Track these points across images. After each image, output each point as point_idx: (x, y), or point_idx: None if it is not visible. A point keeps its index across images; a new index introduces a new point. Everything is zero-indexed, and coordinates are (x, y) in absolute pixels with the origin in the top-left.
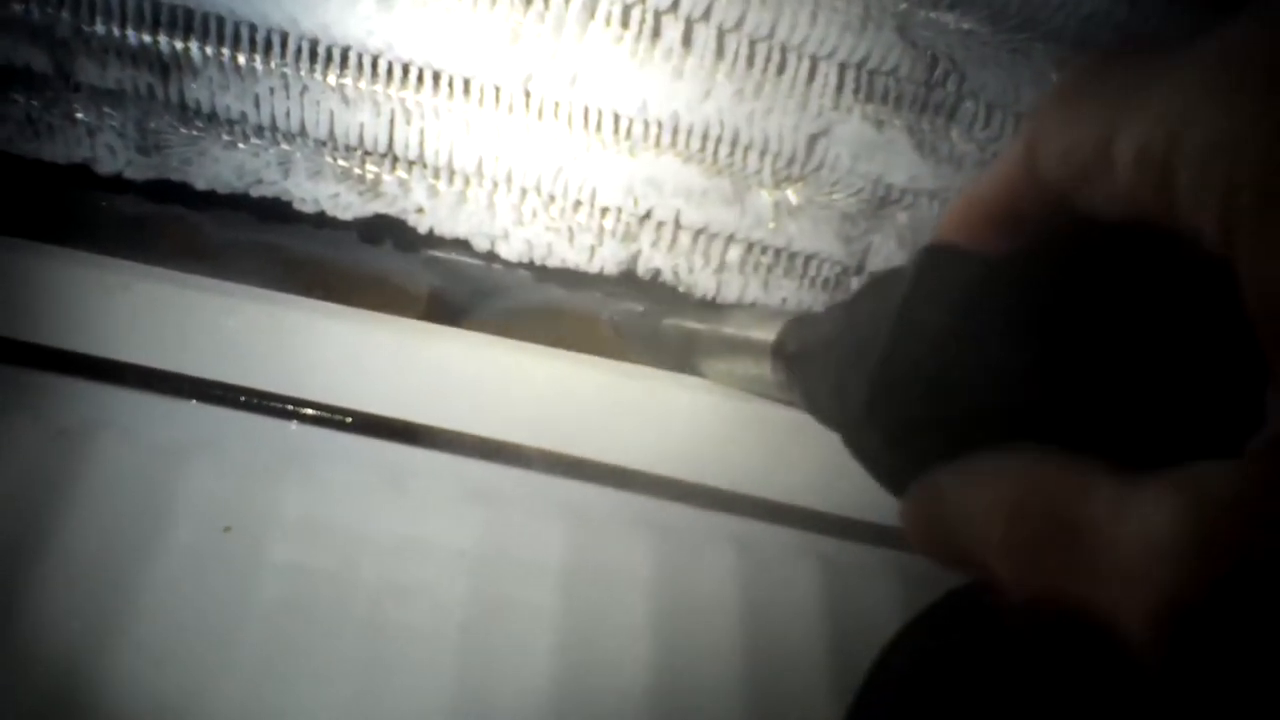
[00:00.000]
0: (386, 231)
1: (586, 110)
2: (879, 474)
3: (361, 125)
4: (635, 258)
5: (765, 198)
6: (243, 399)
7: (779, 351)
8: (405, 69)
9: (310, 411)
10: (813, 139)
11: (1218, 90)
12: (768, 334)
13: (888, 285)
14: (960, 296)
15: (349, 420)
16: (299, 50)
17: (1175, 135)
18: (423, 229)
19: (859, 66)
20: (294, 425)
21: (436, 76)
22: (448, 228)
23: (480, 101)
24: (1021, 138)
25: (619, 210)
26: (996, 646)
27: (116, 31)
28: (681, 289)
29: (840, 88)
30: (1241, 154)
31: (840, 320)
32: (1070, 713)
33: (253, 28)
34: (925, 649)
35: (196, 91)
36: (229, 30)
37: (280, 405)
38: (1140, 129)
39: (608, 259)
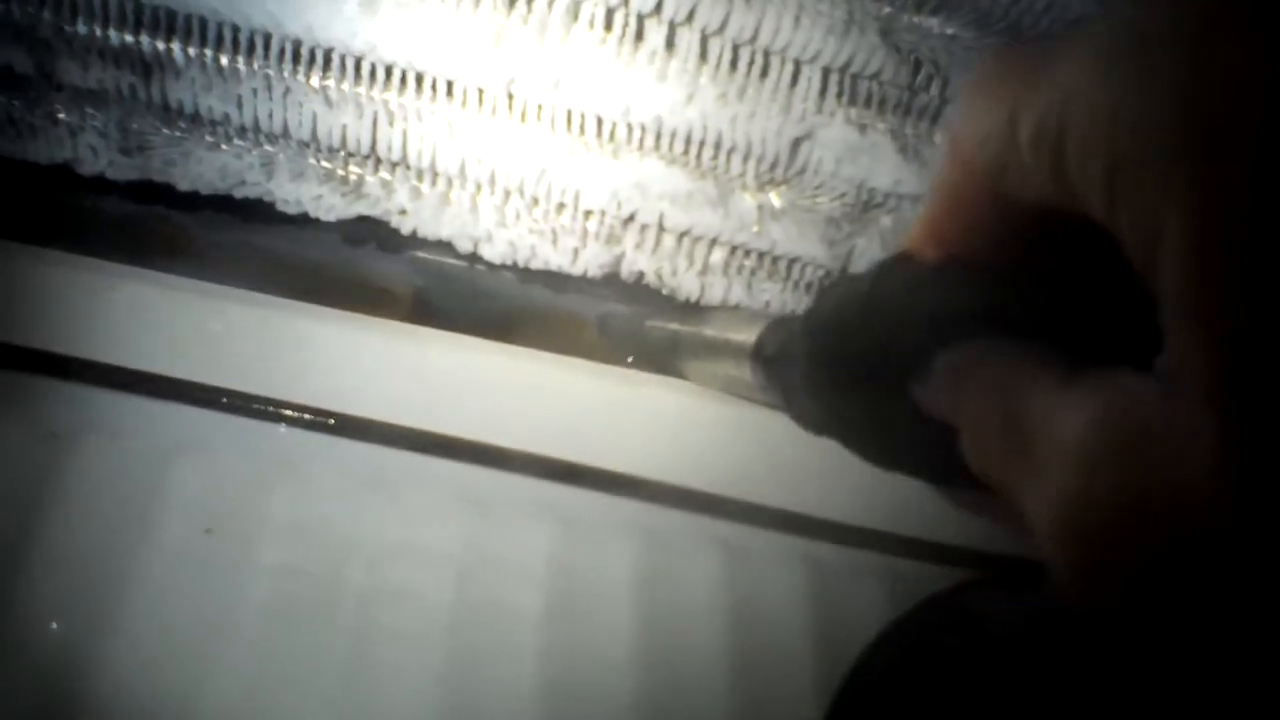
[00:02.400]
0: (370, 233)
1: (570, 113)
2: (865, 456)
3: (345, 127)
4: (619, 260)
5: (749, 201)
6: (228, 401)
7: (757, 354)
8: (389, 71)
9: (295, 414)
10: (796, 143)
11: (1098, 66)
12: (751, 336)
13: (844, 289)
14: (915, 290)
15: (334, 423)
16: (282, 51)
17: (1063, 113)
18: (406, 230)
19: (842, 70)
20: (280, 428)
21: (420, 78)
22: (431, 229)
23: (463, 104)
24: (949, 140)
25: (602, 213)
26: (974, 650)
27: (99, 32)
28: (665, 291)
29: (824, 91)
30: (1119, 127)
31: (807, 320)
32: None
33: (236, 29)
34: (903, 653)
35: (179, 92)
36: (212, 31)
37: (265, 408)
38: (1034, 110)
39: (591, 261)
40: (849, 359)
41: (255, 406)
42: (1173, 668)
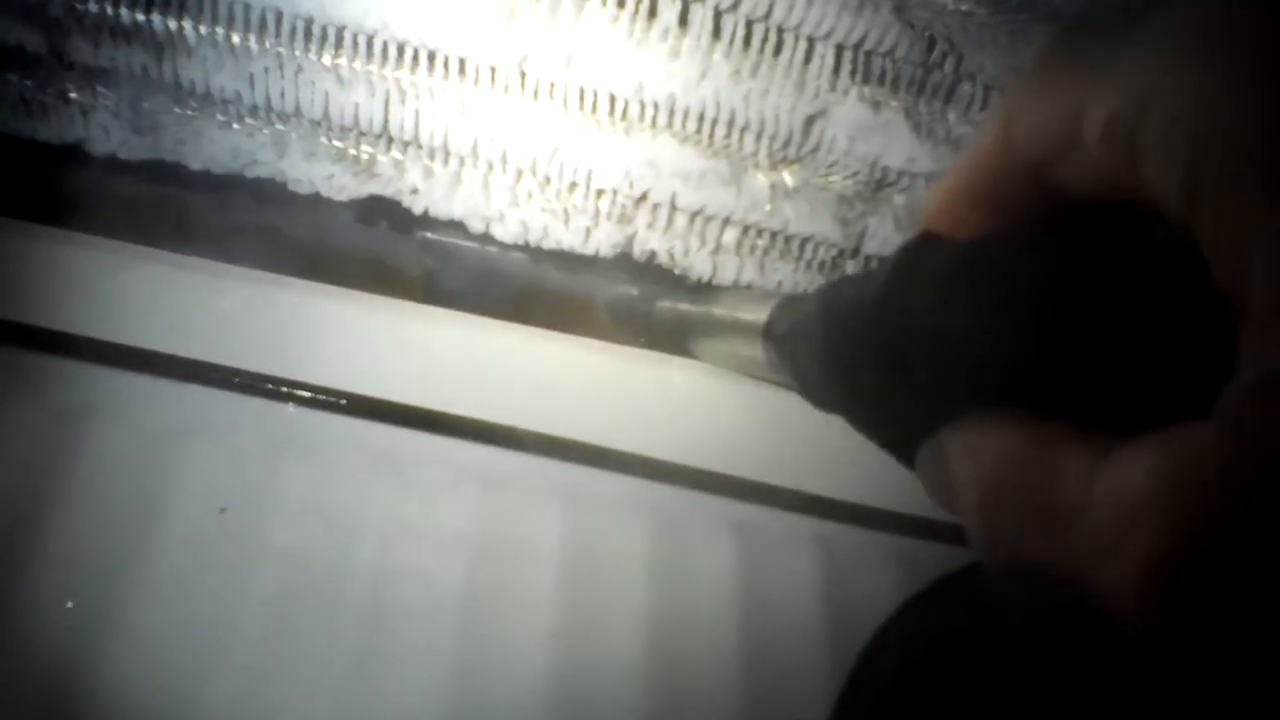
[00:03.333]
0: (382, 213)
1: (582, 91)
2: (878, 443)
3: (356, 106)
4: (631, 240)
5: (761, 180)
6: (239, 381)
7: (769, 333)
8: (400, 49)
9: (306, 394)
10: (809, 120)
11: (1180, 60)
12: (762, 316)
13: (870, 273)
14: (939, 277)
15: (345, 402)
16: (294, 30)
17: (1140, 106)
18: (418, 210)
19: (856, 48)
20: (290, 407)
21: (432, 56)
22: (443, 209)
23: (475, 82)
24: (995, 116)
25: (615, 192)
26: (987, 632)
27: (110, 10)
28: (677, 271)
29: (837, 69)
30: (1203, 124)
31: (826, 299)
32: (1062, 698)
33: (247, 7)
34: (914, 634)
35: (191, 71)
36: (223, 9)
37: (277, 388)
38: (1107, 101)
39: (603, 241)
40: (863, 350)
41: (267, 386)
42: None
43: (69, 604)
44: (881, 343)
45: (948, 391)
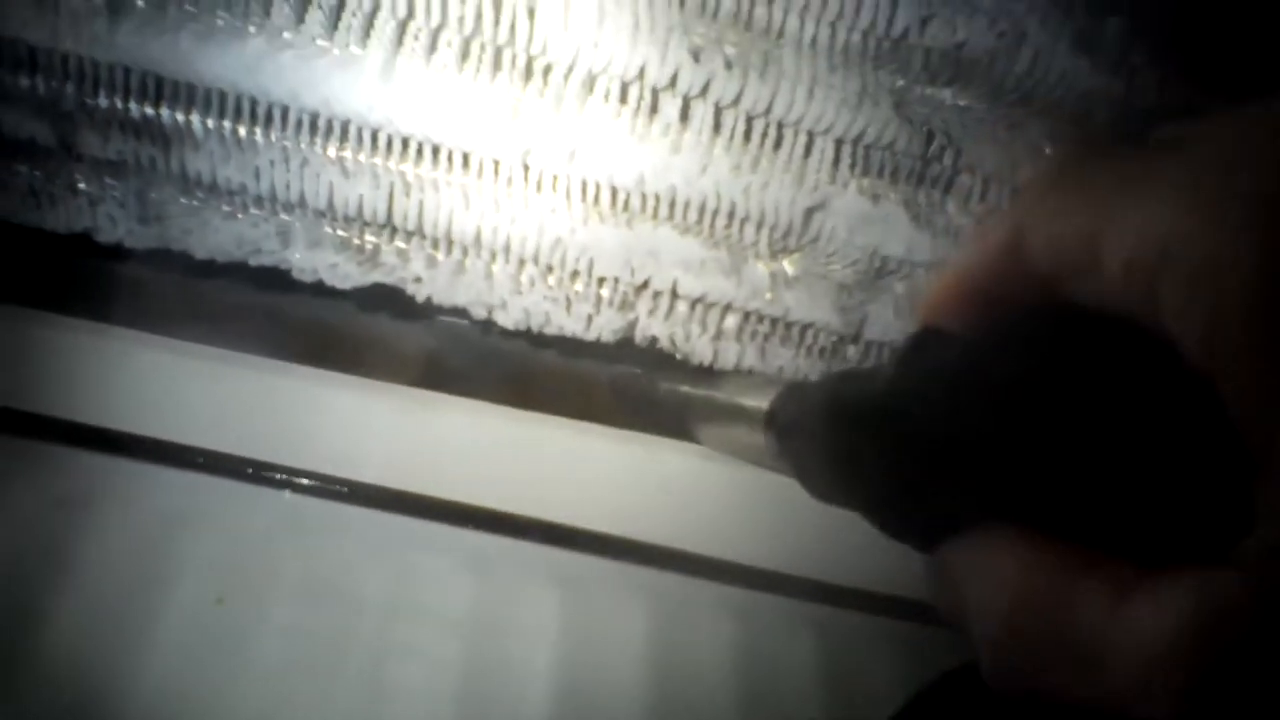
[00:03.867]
0: (384, 300)
1: (585, 183)
2: (886, 532)
3: (361, 197)
4: (632, 325)
5: (762, 269)
6: (239, 468)
7: (771, 422)
8: (405, 142)
9: (307, 481)
10: (809, 212)
11: (1204, 203)
12: (764, 402)
13: (875, 370)
14: (945, 379)
15: (346, 490)
16: (300, 123)
17: (1161, 256)
18: (421, 298)
19: (855, 141)
20: (291, 495)
21: (436, 150)
22: (446, 297)
23: (479, 174)
24: (1007, 222)
25: (616, 280)
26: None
27: (119, 104)
28: (679, 356)
29: (837, 162)
30: (1228, 276)
31: (831, 394)
32: None
33: (254, 101)
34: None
35: (198, 163)
36: (231, 103)
37: (277, 475)
38: (1128, 235)
39: (604, 327)
40: (868, 450)
41: (266, 474)
42: None
43: (68, 694)
44: (886, 444)
45: (955, 499)
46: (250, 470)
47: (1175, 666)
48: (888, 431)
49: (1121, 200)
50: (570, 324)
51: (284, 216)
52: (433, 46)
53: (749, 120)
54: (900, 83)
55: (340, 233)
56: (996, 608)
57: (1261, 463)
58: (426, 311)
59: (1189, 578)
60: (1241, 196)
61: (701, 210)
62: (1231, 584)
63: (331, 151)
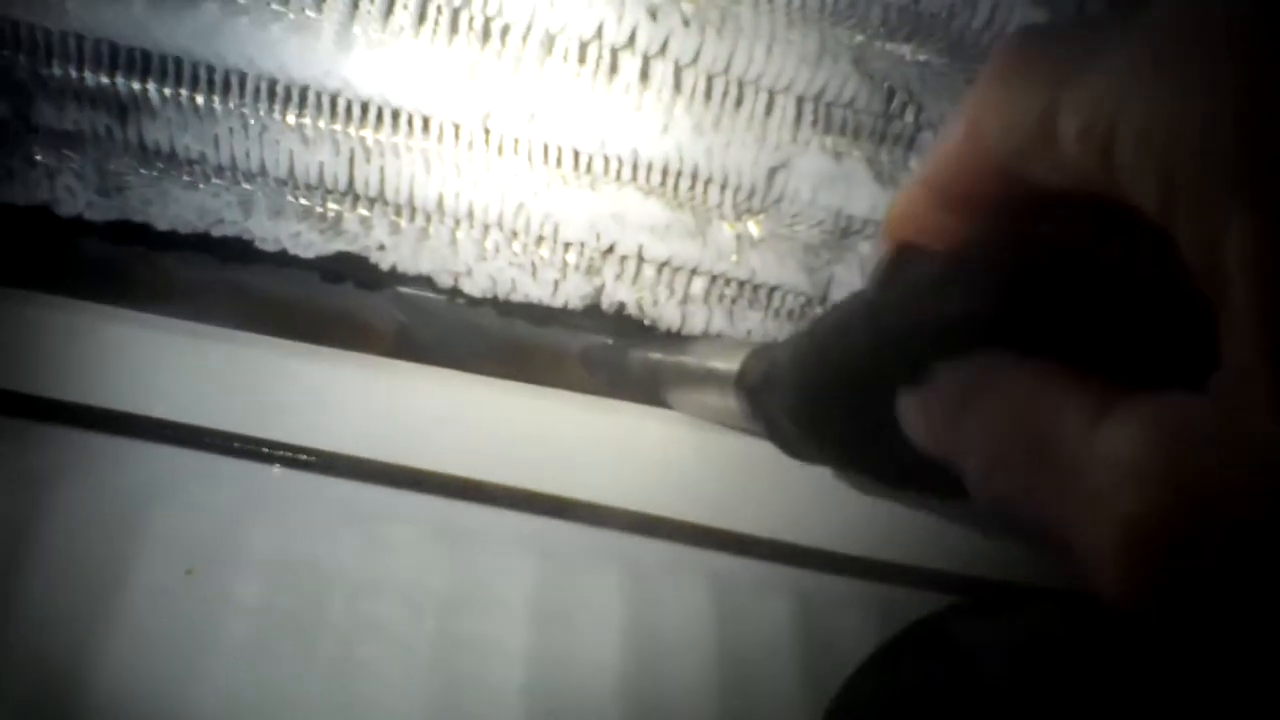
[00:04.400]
0: (348, 270)
1: (546, 146)
2: (854, 473)
3: (321, 164)
4: (599, 291)
5: (727, 231)
6: (208, 440)
7: (741, 383)
8: (364, 107)
9: (276, 452)
10: (772, 172)
11: (1153, 66)
12: (734, 364)
13: (846, 304)
14: (931, 286)
15: (315, 459)
16: (257, 90)
17: (1114, 112)
18: (385, 266)
19: (816, 99)
20: (261, 466)
21: (395, 114)
22: (410, 264)
23: (440, 138)
24: (961, 116)
25: (582, 245)
26: (957, 676)
27: (74, 74)
28: (646, 322)
29: (798, 120)
30: (1177, 130)
31: (800, 344)
32: None
33: (210, 68)
34: (887, 679)
35: (155, 132)
36: (186, 71)
37: (246, 446)
38: (1080, 105)
39: (571, 293)
40: (844, 385)
41: (236, 445)
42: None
43: (37, 667)
44: (879, 348)
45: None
46: (219, 442)
47: (1132, 485)
48: (878, 337)
49: (1073, 72)
50: (537, 290)
51: (245, 185)
52: (389, 9)
53: (709, 79)
54: (859, 38)
55: (302, 201)
56: (987, 414)
57: (1221, 307)
58: (392, 281)
59: (1166, 399)
60: (1192, 59)
61: (665, 172)
62: (1200, 407)
63: (290, 118)
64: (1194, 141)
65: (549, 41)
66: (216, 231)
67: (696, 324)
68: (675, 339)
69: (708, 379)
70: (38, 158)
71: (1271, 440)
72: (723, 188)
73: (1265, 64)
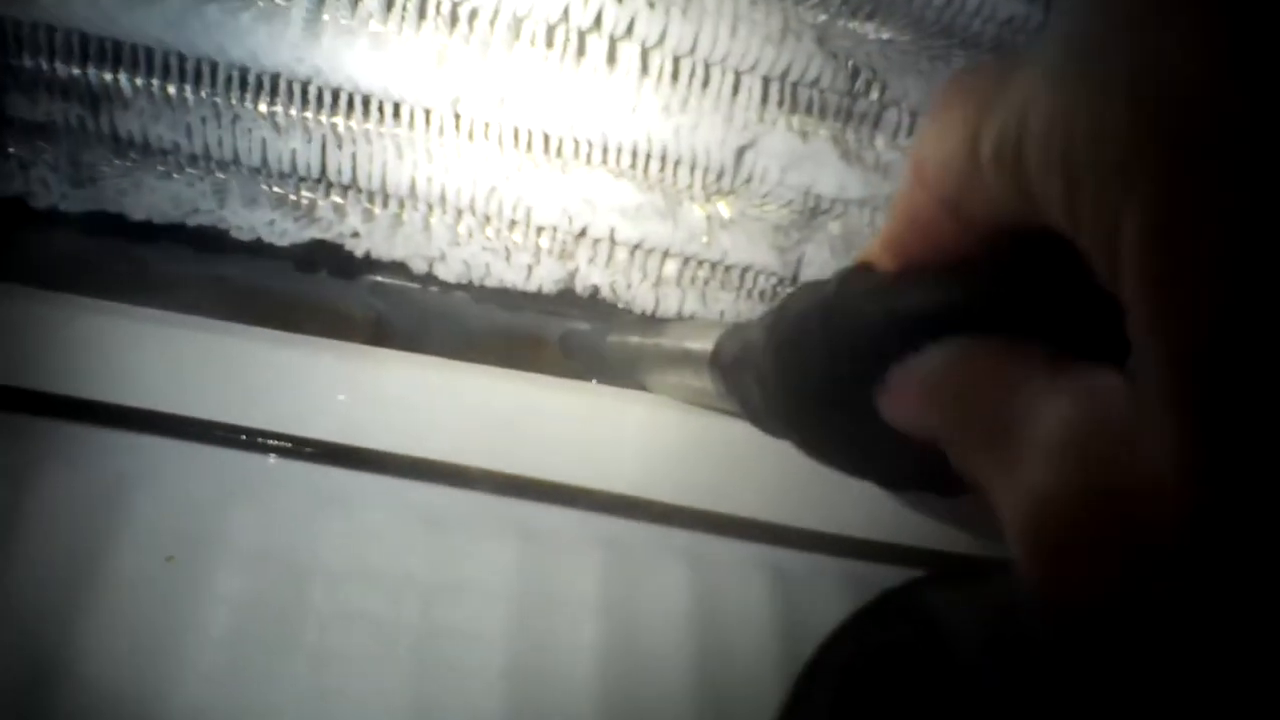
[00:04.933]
0: (323, 258)
1: (516, 130)
2: (825, 459)
3: (294, 152)
4: (573, 275)
5: (698, 211)
6: (186, 429)
7: (715, 362)
8: (335, 94)
9: (254, 439)
10: (740, 151)
11: (1052, 73)
12: (708, 345)
13: (806, 293)
14: (878, 293)
15: (292, 446)
16: (229, 79)
17: (1019, 125)
18: (360, 253)
19: (782, 79)
20: (238, 453)
21: (366, 101)
22: (384, 251)
23: (410, 124)
24: (910, 156)
25: (554, 228)
26: (926, 645)
27: (45, 65)
28: (620, 305)
29: (765, 100)
30: (1072, 130)
31: (770, 324)
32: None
33: (181, 58)
34: (857, 649)
35: (128, 123)
36: (158, 61)
37: (224, 434)
38: (993, 123)
39: (545, 277)
40: (811, 369)
41: (215, 433)
42: (1129, 666)
43: (14, 655)
44: (833, 346)
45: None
46: (197, 430)
47: (1054, 458)
48: (825, 340)
49: (987, 100)
50: (511, 275)
51: (219, 175)
52: None
53: (675, 60)
54: (822, 17)
55: (276, 189)
56: (945, 401)
57: (1129, 309)
58: (367, 267)
59: (1100, 378)
60: (1079, 51)
61: (634, 154)
62: (1124, 392)
63: (262, 107)
64: (1088, 138)
65: (516, 25)
66: (191, 221)
67: (670, 306)
68: (650, 321)
69: (684, 359)
70: (10, 150)
71: (1163, 433)
72: (692, 169)
73: (1146, 47)
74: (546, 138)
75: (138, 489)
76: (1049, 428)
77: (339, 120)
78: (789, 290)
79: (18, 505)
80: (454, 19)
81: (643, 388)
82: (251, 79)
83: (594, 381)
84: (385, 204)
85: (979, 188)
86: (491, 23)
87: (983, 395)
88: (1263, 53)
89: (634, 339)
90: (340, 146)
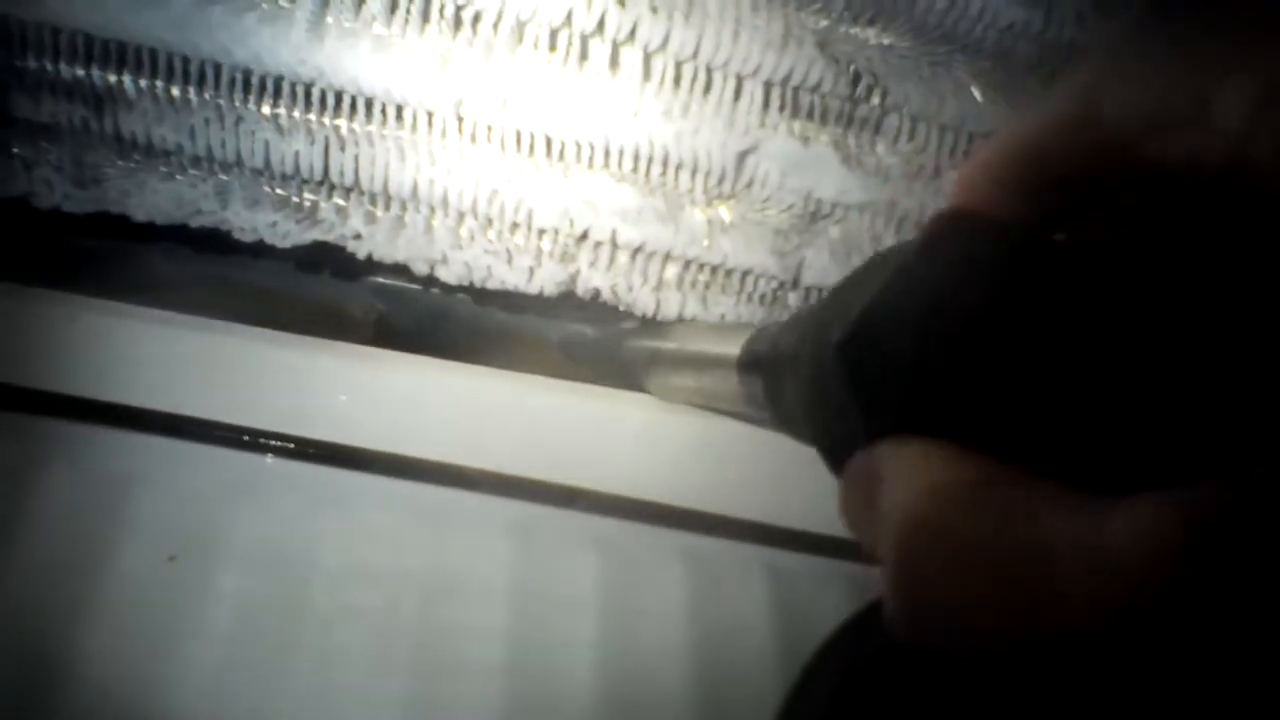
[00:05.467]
0: (325, 259)
1: (519, 133)
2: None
3: (297, 154)
4: (574, 278)
5: (698, 215)
6: (188, 428)
7: (748, 364)
8: (338, 97)
9: (257, 439)
10: (742, 156)
11: None
12: (710, 346)
13: (874, 267)
14: (973, 268)
15: (295, 447)
16: (232, 81)
17: None
18: (361, 255)
19: (783, 84)
20: (241, 453)
21: (369, 103)
22: (386, 253)
23: (413, 127)
24: (1075, 90)
25: (556, 231)
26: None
27: (50, 66)
28: (621, 308)
29: (766, 105)
30: None
31: (818, 313)
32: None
33: (185, 59)
34: (854, 653)
35: (132, 124)
36: (162, 62)
37: (226, 434)
38: (1251, 84)
39: (547, 280)
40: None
41: (216, 433)
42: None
43: (17, 655)
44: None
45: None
46: (198, 430)
47: (1168, 575)
48: (910, 318)
49: (1237, 50)
50: (512, 277)
51: (222, 176)
52: None
53: (678, 65)
54: (823, 23)
55: (279, 191)
56: (919, 509)
57: None
58: (369, 269)
59: (1171, 493)
60: None
61: (636, 157)
62: (1223, 491)
63: (266, 108)
64: None
65: (519, 29)
66: (194, 222)
67: (671, 309)
68: (652, 324)
69: (706, 364)
70: (14, 150)
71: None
72: (693, 173)
73: None
74: (549, 141)
75: (139, 489)
76: (1157, 538)
77: (342, 122)
78: (789, 294)
79: (19, 505)
80: (457, 22)
81: (644, 390)
82: (255, 81)
83: (594, 384)
84: (388, 206)
85: (1196, 137)
86: (495, 26)
87: (1002, 520)
88: None
89: (646, 343)
90: (343, 149)
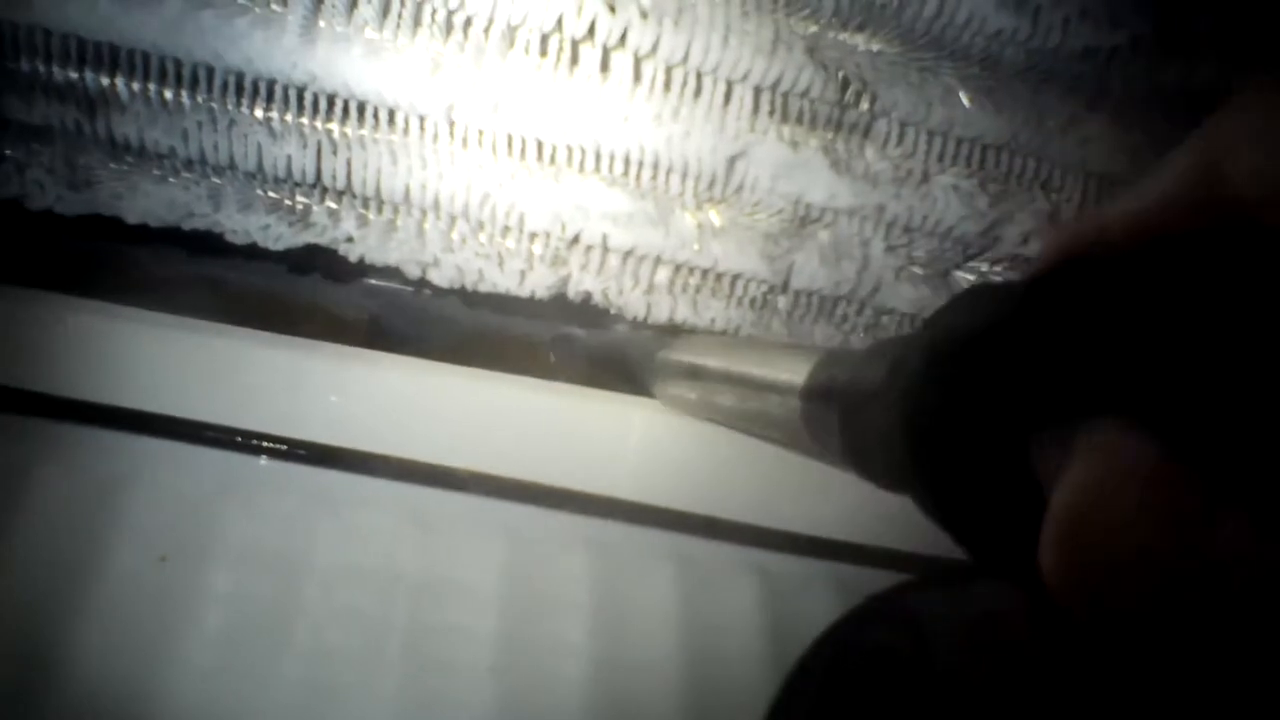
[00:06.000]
0: (317, 262)
1: (510, 137)
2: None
3: (289, 157)
4: (565, 281)
5: (689, 219)
6: (180, 430)
7: (817, 393)
8: (330, 101)
9: (248, 440)
10: (731, 160)
11: None
12: (769, 372)
13: (962, 303)
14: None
15: (286, 448)
16: (225, 84)
17: None
18: (353, 258)
19: (773, 89)
20: (232, 454)
21: (361, 108)
22: (378, 256)
23: (405, 131)
24: (1195, 153)
25: (547, 235)
26: (913, 649)
27: (42, 69)
28: (612, 311)
29: (756, 110)
30: None
31: (910, 343)
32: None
33: (178, 63)
34: (843, 652)
35: (124, 127)
36: (154, 66)
37: (218, 435)
38: None
39: (538, 283)
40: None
41: (208, 434)
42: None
43: (9, 655)
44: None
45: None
46: (190, 431)
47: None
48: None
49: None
50: (504, 280)
51: (214, 179)
52: (353, 3)
53: (668, 70)
54: (813, 29)
55: (271, 194)
56: (1111, 491)
57: None
58: (361, 272)
59: (1130, 437)
60: None
61: (626, 162)
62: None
63: (258, 112)
64: None
65: (510, 34)
66: (187, 225)
67: (661, 313)
68: (658, 331)
69: (759, 387)
70: (7, 152)
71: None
72: (683, 177)
73: None
74: (540, 145)
75: (132, 489)
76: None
77: (334, 126)
78: (779, 298)
79: (12, 505)
80: (449, 27)
81: (644, 393)
82: (247, 84)
83: (584, 386)
84: (379, 210)
85: None
86: (486, 31)
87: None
88: None
89: (634, 346)
90: (335, 152)
